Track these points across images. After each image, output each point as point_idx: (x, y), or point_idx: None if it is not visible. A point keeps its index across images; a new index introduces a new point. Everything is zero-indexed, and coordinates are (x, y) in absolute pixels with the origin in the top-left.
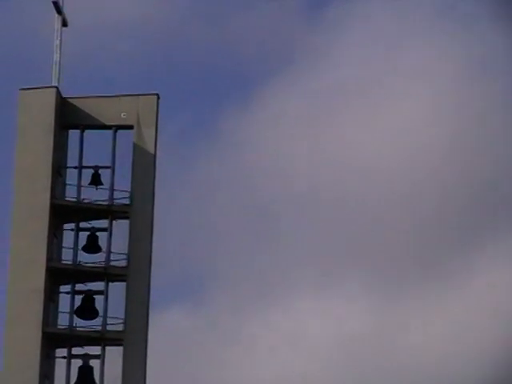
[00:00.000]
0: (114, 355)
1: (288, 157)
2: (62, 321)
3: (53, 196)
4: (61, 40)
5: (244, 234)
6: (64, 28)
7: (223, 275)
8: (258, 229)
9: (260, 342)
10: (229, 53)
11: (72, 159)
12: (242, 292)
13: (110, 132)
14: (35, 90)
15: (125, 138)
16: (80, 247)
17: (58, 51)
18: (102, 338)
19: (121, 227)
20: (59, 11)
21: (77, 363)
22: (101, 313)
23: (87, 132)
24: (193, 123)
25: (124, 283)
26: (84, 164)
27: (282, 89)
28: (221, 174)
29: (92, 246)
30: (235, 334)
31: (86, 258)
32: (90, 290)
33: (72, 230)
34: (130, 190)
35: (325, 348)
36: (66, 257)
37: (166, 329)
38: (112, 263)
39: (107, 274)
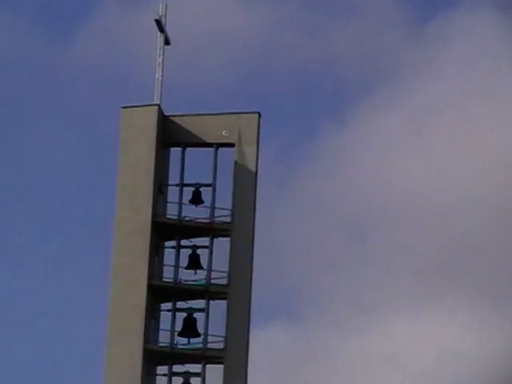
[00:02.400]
0: (215, 373)
1: (386, 172)
2: (163, 338)
3: (154, 214)
4: (163, 58)
5: (343, 250)
6: (166, 46)
7: (322, 292)
8: (357, 245)
9: (356, 361)
10: (327, 68)
11: (173, 177)
12: (339, 309)
13: (211, 150)
14: (137, 108)
15: (226, 156)
16: (181, 265)
17: (160, 69)
18: (203, 356)
19: (221, 245)
20: (161, 29)
21: (177, 381)
22: (201, 330)
23: (188, 150)
24: (292, 140)
25: (225, 301)
26: (185, 182)
27: (381, 104)
28: (320, 190)
29: (193, 264)
30: (331, 352)
31: (186, 276)
32: (191, 308)
33: (173, 247)
34: (230, 207)
35: (422, 367)
36: (167, 274)
37: (264, 346)
38: (213, 281)
39: (208, 292)
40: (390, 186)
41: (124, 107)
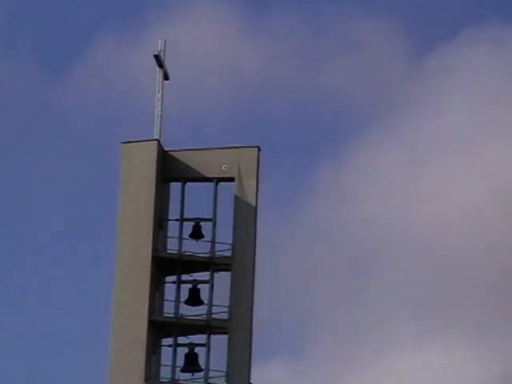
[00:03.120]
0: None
1: (388, 207)
2: (165, 374)
3: (154, 249)
4: (162, 93)
5: (344, 284)
6: (165, 81)
7: (323, 327)
8: (358, 279)
9: None
10: (326, 102)
11: (173, 212)
12: (341, 345)
13: (211, 184)
14: (137, 144)
15: (226, 191)
16: (182, 300)
17: (160, 104)
18: None
19: (222, 279)
20: (161, 65)
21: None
22: (203, 365)
23: (188, 184)
24: (292, 175)
25: (226, 336)
26: (185, 216)
27: (379, 139)
28: (321, 225)
29: (194, 299)
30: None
31: (187, 311)
32: (192, 343)
33: (174, 282)
34: (231, 242)
35: None
36: (168, 310)
37: (268, 380)
38: (214, 316)
39: (209, 327)
40: (390, 221)
41: (124, 142)
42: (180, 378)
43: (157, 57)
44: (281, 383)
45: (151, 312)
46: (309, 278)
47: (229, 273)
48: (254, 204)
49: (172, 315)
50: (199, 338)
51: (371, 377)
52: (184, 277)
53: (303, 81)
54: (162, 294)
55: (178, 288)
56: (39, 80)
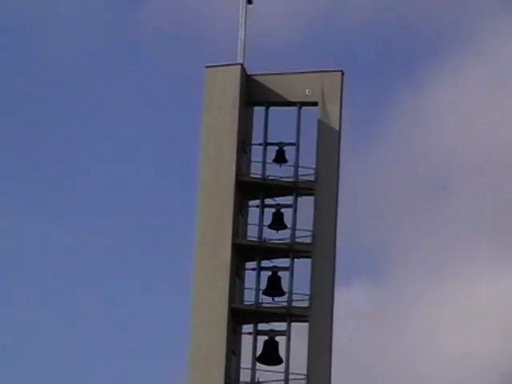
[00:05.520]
0: (300, 331)
1: (464, 135)
2: (248, 297)
3: (238, 173)
4: (246, 17)
5: (426, 207)
6: (249, 5)
7: (403, 250)
8: (439, 202)
9: (439, 322)
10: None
11: (257, 136)
12: (421, 268)
13: (294, 109)
14: (220, 68)
15: (309, 115)
16: (265, 224)
17: (243, 28)
18: (288, 314)
19: (305, 204)
20: None
21: (263, 339)
22: (286, 289)
23: (272, 109)
24: (374, 98)
25: (309, 260)
26: (269, 141)
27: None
28: (400, 149)
29: (277, 223)
30: (412, 310)
31: (271, 235)
32: (275, 267)
33: (257, 206)
34: (314, 166)
35: (502, 328)
36: (252, 233)
37: (347, 305)
38: (297, 240)
39: (292, 251)
40: (466, 149)
41: (208, 66)
42: (264, 300)
43: None
44: (362, 306)
45: (235, 235)
46: (391, 201)
47: (312, 197)
48: (337, 128)
49: (255, 239)
50: (282, 262)
51: (452, 299)
52: (267, 201)
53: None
54: (246, 218)
55: (262, 212)
56: (116, 5)
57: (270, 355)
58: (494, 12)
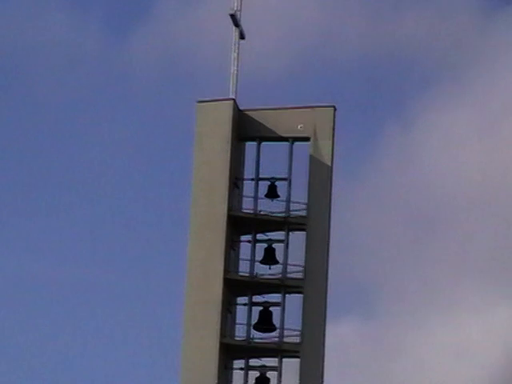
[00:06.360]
0: (291, 367)
1: (453, 170)
2: (239, 332)
3: (230, 208)
4: (238, 53)
5: (417, 245)
6: (241, 40)
7: (392, 286)
8: (429, 240)
9: (428, 357)
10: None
11: (248, 171)
12: (411, 305)
13: (286, 144)
14: (212, 103)
15: (301, 150)
16: (257, 259)
17: (235, 64)
18: (279, 350)
19: (297, 239)
20: (236, 24)
21: (254, 375)
22: (277, 325)
23: (264, 144)
24: (364, 134)
25: (301, 295)
26: (261, 176)
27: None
28: (390, 185)
29: (269, 258)
30: (401, 346)
31: (262, 270)
32: (266, 302)
33: (249, 241)
34: (306, 201)
35: (492, 362)
36: (243, 268)
37: (337, 341)
38: (289, 275)
39: (284, 286)
40: (455, 183)
41: (199, 101)
42: (255, 336)
43: (233, 16)
44: (352, 342)
45: (226, 270)
46: (382, 238)
47: (304, 232)
48: (329, 163)
49: (247, 274)
50: (274, 297)
51: (441, 337)
52: (259, 236)
53: (371, 38)
54: (237, 253)
55: (253, 247)
56: (107, 40)
57: None
58: (484, 50)
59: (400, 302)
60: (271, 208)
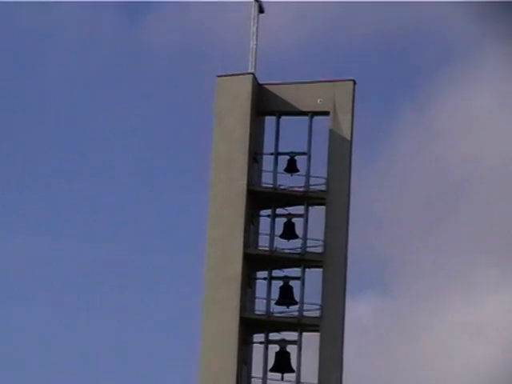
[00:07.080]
0: (311, 341)
1: (470, 144)
2: (259, 307)
3: (249, 183)
4: (257, 26)
5: (435, 220)
6: (260, 14)
7: (412, 263)
8: (448, 214)
9: (444, 333)
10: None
11: (268, 146)
12: (428, 280)
13: (305, 118)
14: (232, 77)
15: (321, 125)
16: (276, 234)
17: (255, 38)
18: (299, 324)
19: (317, 213)
20: None
21: (274, 349)
22: (297, 299)
23: (283, 118)
24: (384, 108)
25: (320, 269)
26: (280, 150)
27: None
28: (412, 159)
29: (288, 233)
30: (419, 321)
31: (282, 245)
32: (286, 277)
33: (268, 216)
34: (325, 176)
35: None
36: (263, 243)
37: (356, 315)
38: (308, 250)
39: (303, 261)
40: (472, 158)
41: (219, 76)
42: (275, 310)
43: None
44: (369, 317)
45: (246, 245)
46: (401, 211)
47: (323, 206)
48: (348, 138)
49: (267, 248)
50: (294, 272)
51: (456, 312)
52: (279, 210)
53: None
54: (257, 228)
55: (273, 221)
56: (123, 16)
57: (281, 366)
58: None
59: (417, 280)
60: (290, 183)
